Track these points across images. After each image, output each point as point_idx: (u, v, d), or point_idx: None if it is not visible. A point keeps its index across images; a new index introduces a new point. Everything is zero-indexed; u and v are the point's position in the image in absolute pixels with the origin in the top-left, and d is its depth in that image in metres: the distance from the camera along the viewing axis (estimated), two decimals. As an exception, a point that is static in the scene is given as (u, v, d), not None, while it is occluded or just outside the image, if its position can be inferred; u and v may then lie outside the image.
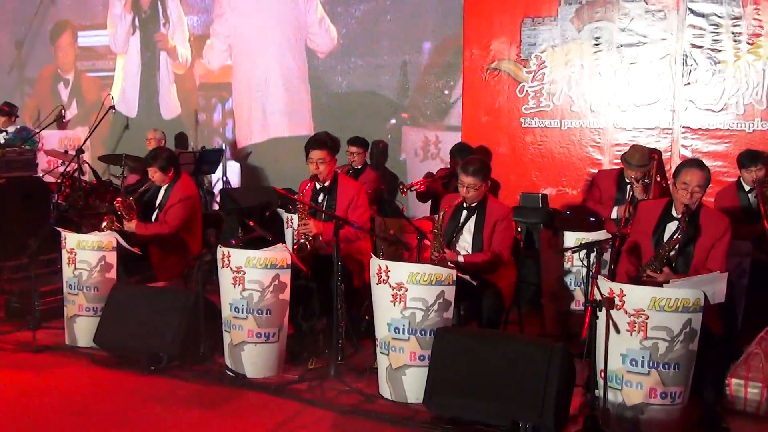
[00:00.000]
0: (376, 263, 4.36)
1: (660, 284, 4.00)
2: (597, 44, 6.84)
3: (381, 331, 4.37)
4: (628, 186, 5.79)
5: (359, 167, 6.90)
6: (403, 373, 4.27)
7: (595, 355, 3.72)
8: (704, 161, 4.55)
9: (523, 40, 7.11)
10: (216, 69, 8.79)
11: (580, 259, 5.05)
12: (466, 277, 4.43)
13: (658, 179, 5.99)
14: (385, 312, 4.31)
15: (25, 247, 5.44)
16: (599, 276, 3.91)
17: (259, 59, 8.57)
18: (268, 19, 8.43)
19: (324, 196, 5.26)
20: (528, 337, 4.87)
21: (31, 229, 6.21)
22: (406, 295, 4.23)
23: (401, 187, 6.76)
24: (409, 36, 7.72)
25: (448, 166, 6.86)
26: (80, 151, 7.68)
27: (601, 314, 3.65)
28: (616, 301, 3.70)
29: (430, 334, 4.19)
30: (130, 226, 5.66)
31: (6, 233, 6.60)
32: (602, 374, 3.73)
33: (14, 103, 8.90)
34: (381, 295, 4.34)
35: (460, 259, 4.69)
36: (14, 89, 10.25)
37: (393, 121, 7.89)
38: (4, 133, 8.48)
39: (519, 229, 5.86)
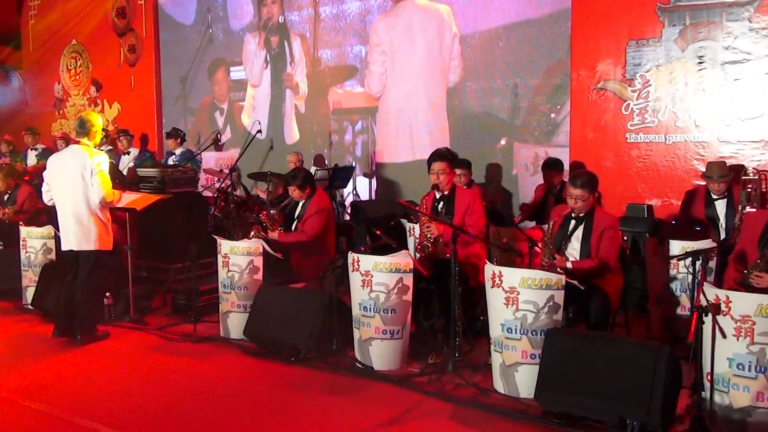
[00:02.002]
0: (490, 269, 4.30)
1: (766, 290, 3.73)
2: (701, 62, 6.49)
3: (495, 331, 4.30)
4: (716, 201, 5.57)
5: (466, 186, 6.82)
6: (516, 370, 4.18)
7: (702, 359, 3.51)
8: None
9: (628, 61, 6.86)
10: (376, 93, 8.85)
11: (685, 266, 4.80)
12: (575, 282, 4.29)
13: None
14: (499, 313, 4.24)
15: (188, 252, 5.64)
16: (705, 283, 3.69)
17: (405, 86, 8.63)
18: (416, 50, 8.49)
19: (443, 204, 5.28)
20: (635, 339, 4.65)
21: (192, 236, 6.46)
22: (518, 298, 4.14)
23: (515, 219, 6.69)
24: (520, 60, 7.59)
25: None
26: (233, 169, 7.99)
27: (707, 319, 3.44)
28: (722, 307, 3.48)
29: (540, 335, 4.09)
30: (274, 235, 5.83)
31: (172, 240, 6.91)
32: (709, 377, 3.51)
33: (180, 129, 9.37)
34: (495, 298, 4.27)
35: (569, 265, 4.54)
36: (179, 117, 10.79)
37: (503, 141, 7.76)
38: (173, 155, 8.93)
39: (625, 237, 5.63)
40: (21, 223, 6.89)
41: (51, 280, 6.24)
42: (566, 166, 7.05)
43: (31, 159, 10.22)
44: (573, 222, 4.72)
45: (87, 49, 11.86)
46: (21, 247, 6.67)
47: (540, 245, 4.63)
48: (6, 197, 7.87)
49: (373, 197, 8.80)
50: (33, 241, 6.55)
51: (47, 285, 6.28)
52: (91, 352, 5.32)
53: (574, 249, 4.71)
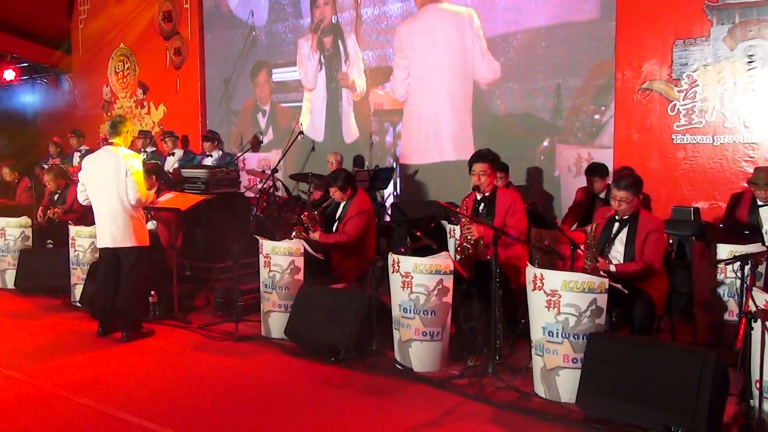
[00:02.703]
0: (531, 271, 4.26)
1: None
2: (751, 62, 6.33)
3: (536, 334, 4.25)
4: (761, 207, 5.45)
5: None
6: (557, 374, 4.13)
7: (750, 366, 3.42)
8: None
9: (675, 61, 6.72)
10: (400, 97, 8.93)
11: (734, 270, 4.67)
12: (618, 285, 4.22)
13: None
14: (540, 316, 4.20)
15: (230, 252, 5.73)
16: (754, 288, 3.59)
17: (430, 89, 8.66)
18: (440, 54, 8.51)
19: (484, 206, 5.25)
20: (680, 345, 4.55)
21: (234, 236, 6.56)
22: (559, 301, 4.09)
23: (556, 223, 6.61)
24: (564, 61, 7.49)
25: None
26: (275, 170, 8.09)
27: (756, 325, 3.34)
28: (772, 312, 3.38)
29: (582, 339, 4.03)
30: (315, 235, 5.87)
31: (215, 240, 7.01)
32: (758, 385, 3.41)
33: (221, 131, 9.50)
34: (536, 301, 4.22)
35: (612, 268, 4.47)
36: (222, 119, 10.95)
37: (546, 143, 7.67)
38: (210, 157, 9.06)
39: (671, 240, 5.52)
40: (70, 222, 7.07)
41: (96, 279, 6.38)
42: (610, 168, 6.95)
43: (76, 160, 10.44)
44: (617, 224, 4.66)
45: (134, 53, 12.12)
46: (70, 245, 6.85)
47: (582, 248, 4.57)
48: (56, 197, 8.08)
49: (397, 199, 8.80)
50: (81, 239, 6.71)
51: (94, 283, 6.43)
52: (135, 349, 5.43)
53: (617, 252, 4.63)
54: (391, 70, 8.95)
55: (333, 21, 9.56)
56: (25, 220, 7.81)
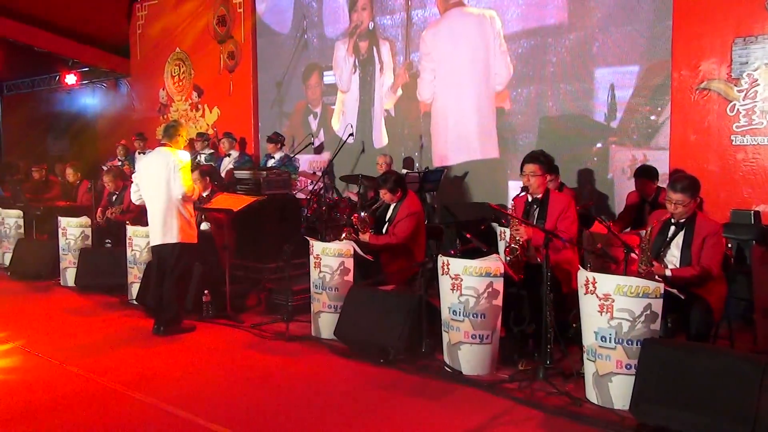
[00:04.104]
0: (583, 274, 4.18)
1: None
2: (815, 60, 6.09)
3: (588, 339, 4.18)
4: None
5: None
6: (610, 380, 4.05)
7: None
8: None
9: (734, 60, 6.51)
10: (427, 99, 8.98)
11: (797, 276, 4.50)
12: (674, 290, 4.11)
13: None
14: (592, 321, 4.12)
15: (282, 253, 5.79)
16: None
17: (455, 91, 8.68)
18: (464, 57, 8.53)
19: (536, 208, 5.17)
20: (739, 352, 4.41)
21: (286, 237, 6.62)
22: (613, 306, 4.01)
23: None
24: (618, 61, 7.35)
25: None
26: (325, 172, 8.14)
27: (821, 334, 3.22)
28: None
29: (636, 344, 3.94)
30: (365, 237, 5.89)
31: (266, 241, 7.10)
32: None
33: (281, 133, 9.63)
34: (588, 305, 4.15)
35: (668, 272, 4.35)
36: (275, 121, 11.07)
37: (599, 144, 7.53)
38: (272, 159, 9.18)
39: (729, 245, 5.34)
40: (127, 222, 7.26)
41: (152, 277, 6.54)
42: (666, 169, 6.78)
43: (138, 162, 10.73)
44: (673, 228, 4.53)
45: (190, 56, 12.38)
46: (127, 245, 7.03)
47: (637, 251, 4.47)
48: (114, 198, 8.31)
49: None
50: (138, 239, 6.88)
51: (149, 282, 6.58)
52: (189, 347, 5.54)
53: (673, 256, 4.52)
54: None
55: (370, 27, 9.62)
56: (85, 220, 8.05)
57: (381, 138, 9.62)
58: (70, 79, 13.95)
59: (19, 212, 9.36)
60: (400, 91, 9.32)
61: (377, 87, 9.62)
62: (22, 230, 9.28)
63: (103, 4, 12.75)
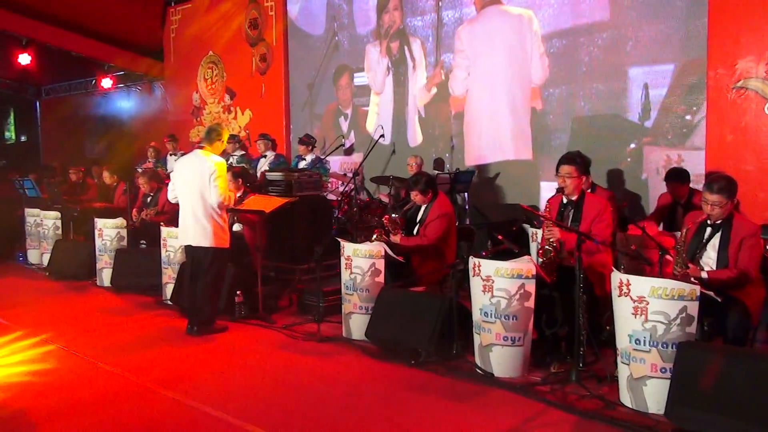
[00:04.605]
0: (617, 276, 4.13)
1: None
2: None
3: (622, 342, 4.12)
4: None
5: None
6: (644, 384, 3.99)
7: None
8: None
9: (773, 57, 6.38)
10: (459, 95, 8.97)
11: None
12: (711, 293, 4.03)
13: None
14: (626, 323, 4.06)
15: (313, 254, 5.82)
16: None
17: (489, 89, 8.65)
18: (499, 55, 8.49)
19: (570, 210, 5.11)
20: (778, 357, 4.32)
21: (317, 238, 6.64)
22: (647, 309, 3.95)
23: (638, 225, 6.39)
24: (652, 59, 7.24)
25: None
26: (356, 173, 8.15)
27: None
28: None
29: (672, 348, 3.88)
30: (395, 238, 5.89)
31: (298, 242, 7.14)
32: None
33: (312, 135, 9.68)
34: (622, 307, 4.09)
35: (704, 275, 4.27)
36: (306, 123, 11.13)
37: (633, 144, 7.42)
38: (303, 161, 9.23)
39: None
40: (162, 223, 7.36)
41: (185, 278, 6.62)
42: (702, 170, 6.66)
43: (171, 164, 10.85)
44: (709, 229, 4.45)
45: (222, 59, 12.51)
46: (161, 246, 7.13)
47: (672, 253, 4.40)
48: (149, 199, 8.44)
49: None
50: (172, 240, 6.97)
51: (183, 282, 6.66)
52: (222, 347, 5.60)
53: (709, 258, 4.43)
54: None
55: (401, 27, 9.61)
56: (120, 221, 8.18)
57: (415, 137, 9.58)
58: (106, 82, 14.18)
59: (57, 213, 9.54)
60: (434, 90, 9.28)
61: (411, 85, 9.58)
62: (60, 231, 9.46)
63: (138, 9, 12.96)
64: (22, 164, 13.47)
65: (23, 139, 18.43)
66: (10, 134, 18.86)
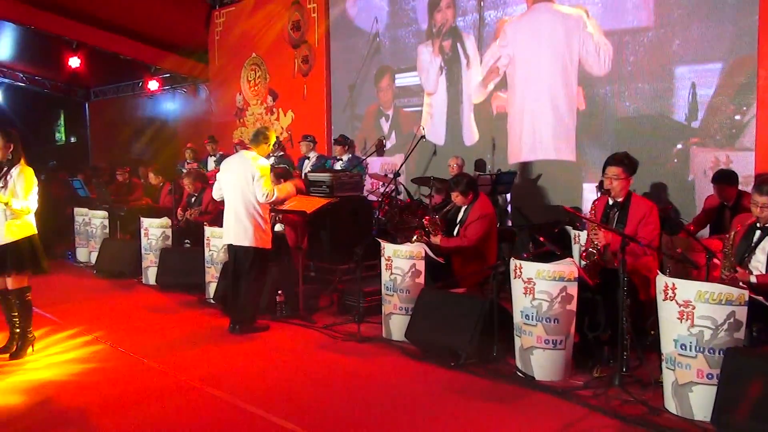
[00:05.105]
0: (662, 280, 4.05)
1: None
2: None
3: (667, 347, 4.04)
4: None
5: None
6: (690, 390, 3.91)
7: None
8: None
9: (827, 55, 6.18)
10: (501, 93, 8.90)
11: None
12: (760, 298, 3.93)
13: None
14: (672, 328, 3.98)
15: (353, 254, 5.84)
16: None
17: (533, 87, 8.58)
18: (545, 50, 8.41)
19: (616, 212, 5.02)
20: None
21: (358, 239, 6.66)
22: (693, 313, 3.87)
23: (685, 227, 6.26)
24: (700, 59, 7.08)
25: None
26: (397, 174, 8.16)
27: None
28: None
29: (719, 354, 3.79)
30: (436, 239, 5.88)
31: (338, 242, 7.17)
32: None
33: (347, 136, 9.72)
34: (667, 312, 4.01)
35: (753, 279, 4.17)
36: (347, 124, 11.19)
37: (680, 145, 7.27)
38: (340, 161, 9.27)
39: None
40: (206, 223, 7.47)
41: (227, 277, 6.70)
42: (752, 171, 6.49)
43: (211, 165, 10.99)
44: (758, 233, 4.34)
45: (265, 61, 12.65)
46: (205, 245, 7.24)
47: (719, 257, 4.29)
48: (193, 199, 8.58)
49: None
50: (216, 240, 7.07)
51: (225, 281, 6.75)
52: (263, 346, 5.66)
53: (759, 262, 4.32)
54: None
55: (453, 25, 9.54)
56: (165, 220, 8.33)
57: (471, 135, 9.43)
58: (153, 85, 14.49)
59: (105, 213, 9.77)
60: (491, 86, 9.17)
61: (465, 84, 9.46)
62: (107, 230, 9.69)
63: (183, 12, 13.21)
64: (72, 165, 13.83)
65: (73, 140, 18.97)
66: (61, 135, 19.43)
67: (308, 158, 9.83)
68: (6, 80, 16.19)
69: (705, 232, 6.41)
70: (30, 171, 5.28)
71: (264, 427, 4.06)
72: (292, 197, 6.40)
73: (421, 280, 5.58)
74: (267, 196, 5.86)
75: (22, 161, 5.26)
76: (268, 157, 9.46)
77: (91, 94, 17.56)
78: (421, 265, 5.58)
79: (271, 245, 6.10)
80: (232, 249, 6.08)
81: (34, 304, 5.57)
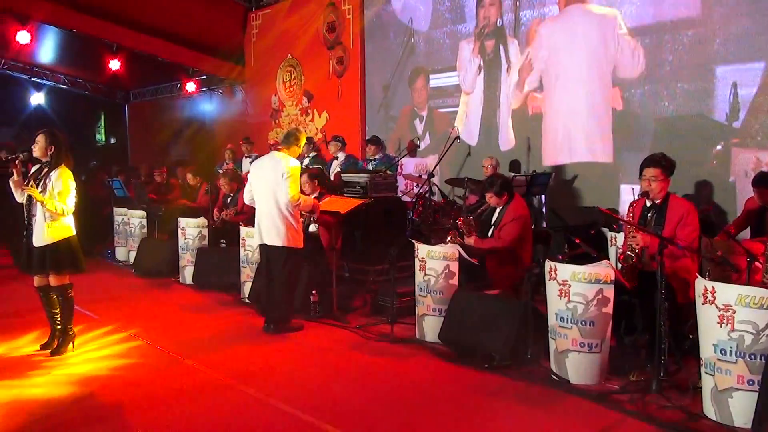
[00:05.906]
0: (702, 283, 3.97)
1: None
2: None
3: (706, 351, 3.96)
4: None
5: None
6: (730, 396, 3.82)
7: None
8: None
9: None
10: (536, 93, 8.83)
11: None
12: (804, 302, 3.82)
13: None
14: (711, 332, 3.90)
15: (387, 255, 5.85)
16: None
17: (568, 88, 8.50)
18: (579, 51, 8.33)
19: (653, 214, 4.94)
20: None
21: (391, 240, 6.66)
22: (734, 317, 3.78)
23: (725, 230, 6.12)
24: (742, 57, 6.92)
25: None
26: (431, 175, 8.14)
27: None
28: None
29: (760, 359, 3.70)
30: (470, 241, 5.85)
31: (372, 243, 7.17)
32: None
33: (381, 137, 9.73)
34: (706, 316, 3.93)
35: (797, 283, 4.07)
36: (381, 125, 11.21)
37: (720, 146, 7.11)
38: (372, 161, 9.28)
39: None
40: (241, 223, 7.54)
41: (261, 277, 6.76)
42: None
43: (246, 166, 11.08)
44: (802, 235, 4.23)
45: (300, 63, 12.74)
46: (240, 245, 7.31)
47: (761, 260, 4.19)
48: (229, 200, 8.67)
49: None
50: (251, 240, 7.13)
51: (260, 281, 6.81)
52: (296, 346, 5.70)
53: (803, 266, 4.21)
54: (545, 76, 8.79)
55: (498, 24, 9.43)
56: (202, 220, 8.44)
57: (509, 140, 9.34)
58: (190, 86, 14.68)
59: (143, 213, 9.93)
60: (526, 87, 9.08)
61: (503, 87, 9.39)
62: (145, 230, 9.85)
63: (220, 15, 13.38)
64: (111, 165, 14.09)
65: (112, 141, 19.33)
66: (101, 136, 19.82)
67: (337, 158, 9.87)
68: (49, 83, 16.56)
69: (746, 234, 6.26)
70: (68, 174, 5.38)
71: (297, 426, 4.08)
72: (315, 209, 6.40)
73: (455, 281, 5.56)
74: (293, 199, 5.89)
75: (63, 166, 5.37)
76: (302, 158, 9.57)
77: (130, 95, 17.87)
78: (454, 266, 5.56)
79: (303, 244, 6.13)
80: (264, 249, 6.13)
81: (75, 301, 5.68)
